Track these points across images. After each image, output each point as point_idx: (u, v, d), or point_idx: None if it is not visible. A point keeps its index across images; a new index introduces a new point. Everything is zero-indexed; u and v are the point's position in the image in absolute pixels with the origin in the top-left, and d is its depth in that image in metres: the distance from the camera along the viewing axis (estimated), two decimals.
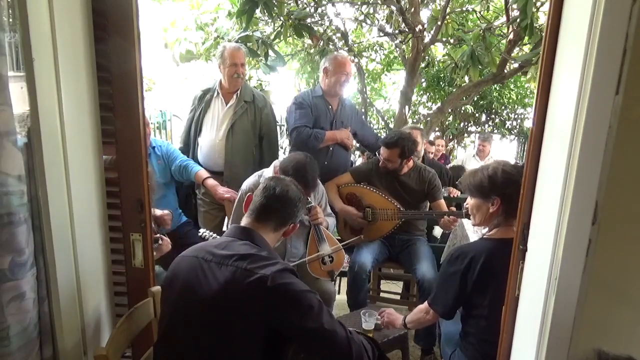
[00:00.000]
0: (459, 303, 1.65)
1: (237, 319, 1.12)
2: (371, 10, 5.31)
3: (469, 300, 1.62)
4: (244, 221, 1.35)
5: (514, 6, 3.76)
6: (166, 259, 2.03)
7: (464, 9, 5.36)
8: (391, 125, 6.36)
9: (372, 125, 7.15)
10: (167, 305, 1.25)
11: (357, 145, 3.68)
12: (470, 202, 1.72)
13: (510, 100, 7.50)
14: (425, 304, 1.72)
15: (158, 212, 2.20)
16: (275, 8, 3.53)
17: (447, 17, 4.69)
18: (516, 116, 7.79)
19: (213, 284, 1.13)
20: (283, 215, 1.35)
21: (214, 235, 2.13)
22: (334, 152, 2.80)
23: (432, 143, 4.94)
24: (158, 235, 2.01)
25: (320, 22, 4.80)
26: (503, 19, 4.41)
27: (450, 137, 7.64)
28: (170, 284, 1.25)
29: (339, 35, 5.19)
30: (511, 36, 4.19)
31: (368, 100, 6.38)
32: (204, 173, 2.60)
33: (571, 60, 0.99)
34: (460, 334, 1.73)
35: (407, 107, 5.32)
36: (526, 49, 4.86)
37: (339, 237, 2.76)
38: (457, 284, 1.58)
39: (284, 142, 5.83)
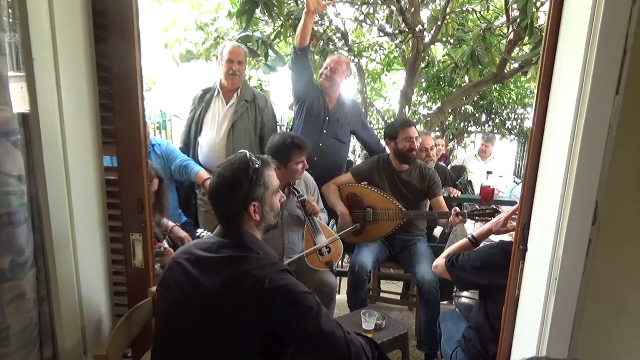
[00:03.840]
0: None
1: (235, 321, 1.11)
2: (371, 10, 5.31)
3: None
4: (219, 222, 1.28)
5: (514, 6, 3.75)
6: None
7: (464, 9, 5.36)
8: None
9: (372, 125, 7.15)
10: (162, 310, 1.24)
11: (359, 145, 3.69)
12: None
13: (510, 100, 7.50)
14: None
15: (182, 233, 2.27)
16: (275, 8, 3.52)
17: (447, 17, 4.68)
18: (516, 116, 7.78)
19: (209, 287, 1.12)
20: (227, 210, 1.23)
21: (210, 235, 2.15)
22: (324, 148, 2.78)
23: (435, 144, 4.92)
24: (162, 244, 2.02)
25: (320, 22, 4.80)
26: (503, 19, 4.41)
27: (450, 137, 7.63)
28: (163, 288, 1.24)
29: (339, 35, 5.19)
30: (511, 36, 4.19)
31: (368, 100, 6.38)
32: (204, 174, 2.60)
33: (571, 60, 0.99)
34: (463, 333, 1.73)
35: (407, 107, 5.32)
36: (526, 49, 4.85)
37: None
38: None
39: None
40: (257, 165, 1.22)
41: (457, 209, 2.46)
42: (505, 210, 2.58)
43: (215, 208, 1.26)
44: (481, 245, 1.76)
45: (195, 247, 1.22)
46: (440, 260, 1.76)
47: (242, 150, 1.28)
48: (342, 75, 2.80)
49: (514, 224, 1.92)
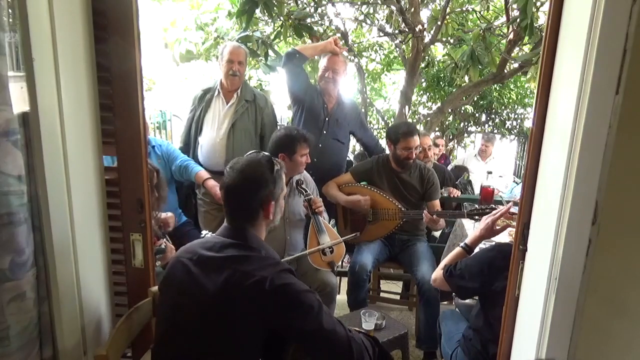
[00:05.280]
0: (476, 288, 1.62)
1: (236, 321, 1.11)
2: (371, 10, 5.31)
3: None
4: (228, 220, 1.28)
5: (514, 6, 3.76)
6: None
7: (464, 9, 5.36)
8: None
9: (372, 126, 7.15)
10: (164, 310, 1.24)
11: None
12: None
13: (510, 100, 7.50)
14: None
15: (162, 215, 2.21)
16: (275, 8, 3.52)
17: (447, 17, 4.68)
18: (516, 116, 7.79)
19: (211, 287, 1.12)
20: (247, 208, 1.24)
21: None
22: (324, 149, 2.78)
23: (436, 145, 4.92)
24: (163, 242, 2.01)
25: (320, 22, 4.80)
26: (503, 19, 4.41)
27: (450, 137, 7.63)
28: (166, 287, 1.24)
29: (339, 35, 5.19)
30: (511, 36, 4.19)
31: (368, 100, 6.38)
32: (204, 174, 2.60)
33: (571, 60, 0.99)
34: (463, 333, 1.73)
35: (407, 107, 5.31)
36: (526, 49, 4.85)
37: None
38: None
39: None
40: (278, 167, 1.29)
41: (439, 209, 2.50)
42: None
43: (230, 204, 1.26)
44: (476, 250, 1.75)
45: (199, 247, 1.23)
46: (438, 273, 1.72)
47: (264, 152, 1.33)
48: (342, 74, 2.82)
49: (512, 222, 1.92)
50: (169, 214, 2.22)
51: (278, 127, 2.87)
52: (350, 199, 2.65)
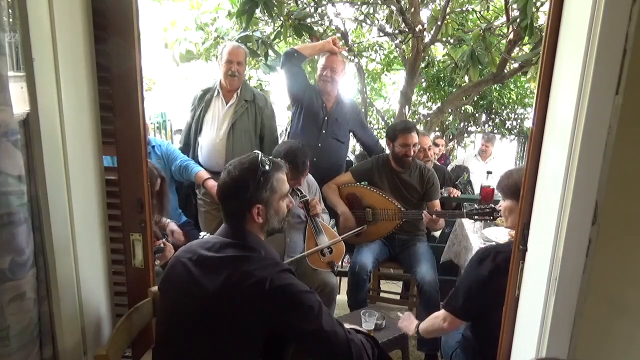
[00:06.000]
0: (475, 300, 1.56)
1: (236, 321, 1.11)
2: (371, 10, 5.30)
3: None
4: (225, 220, 1.28)
5: (514, 6, 3.75)
6: None
7: (464, 9, 5.36)
8: None
9: (372, 126, 7.15)
10: (164, 310, 1.25)
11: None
12: (503, 204, 1.66)
13: (510, 100, 7.51)
14: (442, 310, 1.63)
15: (174, 226, 2.22)
16: (275, 8, 3.52)
17: (447, 17, 4.68)
18: (516, 116, 7.80)
19: (210, 286, 1.12)
20: (235, 209, 1.24)
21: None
22: (323, 149, 2.78)
23: (436, 145, 4.91)
24: (162, 241, 2.01)
25: (320, 22, 4.80)
26: (503, 19, 4.41)
27: (450, 137, 7.64)
28: (165, 287, 1.24)
29: (339, 35, 5.19)
30: (511, 36, 4.19)
31: (368, 100, 6.38)
32: (204, 174, 2.60)
33: (571, 60, 0.99)
34: (463, 333, 1.73)
35: (407, 107, 5.31)
36: (526, 49, 4.85)
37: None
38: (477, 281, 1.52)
39: None
40: (266, 168, 1.22)
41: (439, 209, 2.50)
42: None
43: (221, 205, 1.27)
44: (468, 263, 1.70)
45: (199, 247, 1.23)
46: (439, 319, 1.63)
47: (256, 151, 1.28)
48: (340, 73, 2.82)
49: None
50: (175, 227, 2.22)
51: (278, 127, 2.87)
52: (346, 215, 2.63)
